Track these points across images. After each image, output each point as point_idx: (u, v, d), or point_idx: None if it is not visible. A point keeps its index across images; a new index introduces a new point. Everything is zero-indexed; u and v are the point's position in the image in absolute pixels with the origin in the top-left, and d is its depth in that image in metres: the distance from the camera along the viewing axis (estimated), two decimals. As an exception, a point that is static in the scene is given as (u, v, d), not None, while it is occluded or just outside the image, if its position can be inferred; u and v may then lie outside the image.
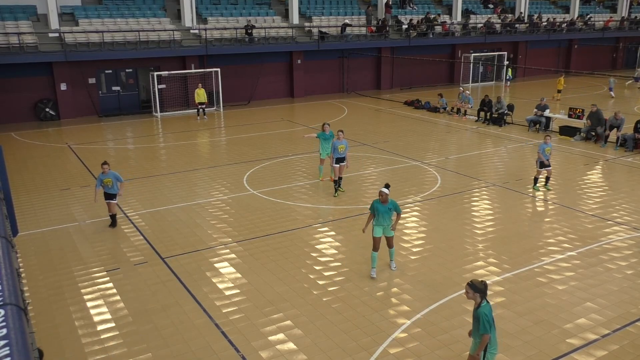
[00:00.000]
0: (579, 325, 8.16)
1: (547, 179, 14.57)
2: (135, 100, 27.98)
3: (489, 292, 9.03)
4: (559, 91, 30.25)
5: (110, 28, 26.56)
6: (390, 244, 9.82)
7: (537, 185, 14.48)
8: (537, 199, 13.84)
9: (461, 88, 26.00)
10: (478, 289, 6.01)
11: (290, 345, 7.72)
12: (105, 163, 11.92)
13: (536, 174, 14.53)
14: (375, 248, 9.63)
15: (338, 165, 14.02)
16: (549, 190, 14.41)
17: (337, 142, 13.88)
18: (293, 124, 24.16)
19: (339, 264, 10.27)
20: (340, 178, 14.29)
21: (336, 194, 14.11)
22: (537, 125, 21.92)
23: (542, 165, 14.27)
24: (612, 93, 31.04)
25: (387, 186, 9.57)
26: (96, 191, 12.07)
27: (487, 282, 9.42)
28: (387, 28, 33.72)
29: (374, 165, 17.04)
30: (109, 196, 12.00)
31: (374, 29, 33.73)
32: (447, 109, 26.13)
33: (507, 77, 36.50)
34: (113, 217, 12.18)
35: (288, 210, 13.15)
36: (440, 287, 9.29)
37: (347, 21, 32.86)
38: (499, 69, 37.66)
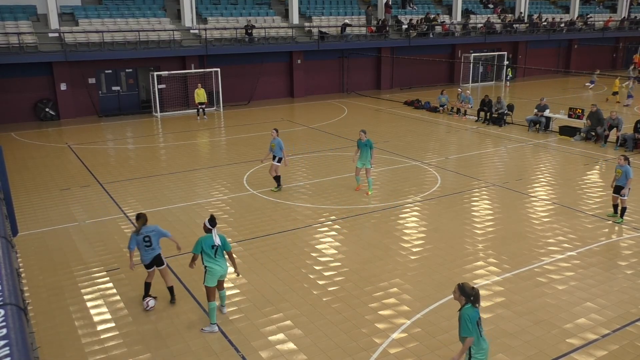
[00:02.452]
0: (579, 325, 8.16)
1: (623, 209, 12.05)
2: (135, 100, 27.98)
3: (489, 293, 9.08)
4: (614, 93, 29.35)
5: (110, 28, 26.55)
6: (221, 285, 8.27)
7: (619, 218, 12.09)
8: (536, 199, 13.83)
9: (459, 89, 25.95)
10: (465, 292, 6.01)
11: (290, 345, 7.72)
12: (141, 217, 8.57)
13: (612, 200, 12.30)
14: (212, 294, 8.01)
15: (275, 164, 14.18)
16: (618, 223, 12.08)
17: (272, 140, 14.07)
18: (293, 124, 24.16)
19: (339, 264, 10.26)
20: (274, 177, 14.40)
21: (275, 189, 14.46)
22: (537, 126, 21.92)
23: (616, 189, 12.06)
24: (590, 84, 32.44)
25: (211, 221, 7.97)
26: (131, 254, 8.61)
27: (488, 282, 9.48)
28: (387, 28, 33.72)
29: (374, 165, 16.99)
30: (154, 261, 8.60)
31: (374, 29, 33.73)
32: (445, 106, 26.09)
33: (507, 77, 36.50)
34: (171, 289, 8.92)
35: (288, 210, 13.14)
36: (440, 287, 9.29)
37: (347, 21, 32.86)
38: (499, 69, 37.67)
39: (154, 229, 8.62)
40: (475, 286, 6.27)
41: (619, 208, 12.15)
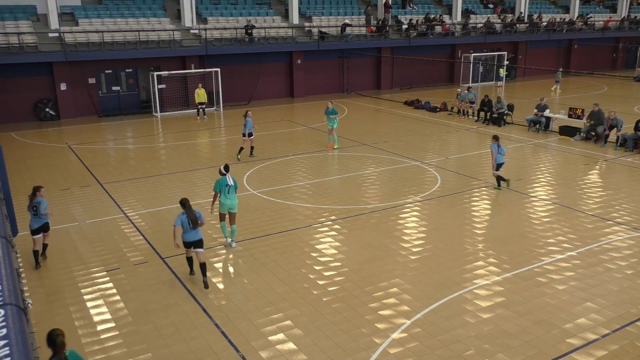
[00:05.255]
0: (579, 325, 8.16)
1: (497, 178, 14.60)
2: (135, 100, 27.98)
3: (489, 293, 9.09)
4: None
5: (110, 28, 26.55)
6: (232, 220, 10.95)
7: (498, 186, 14.64)
8: (536, 199, 13.83)
9: (459, 89, 25.87)
10: (50, 340, 5.23)
11: (290, 345, 7.72)
12: (34, 189, 10.41)
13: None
14: (223, 218, 10.95)
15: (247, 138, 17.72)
16: (497, 189, 14.51)
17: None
18: (293, 124, 24.16)
19: (339, 264, 10.27)
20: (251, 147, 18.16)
21: (239, 157, 17.78)
22: (537, 126, 21.92)
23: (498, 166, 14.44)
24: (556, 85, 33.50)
25: (225, 168, 10.78)
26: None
27: (488, 282, 9.48)
28: (387, 28, 33.71)
29: (374, 165, 17.03)
30: (42, 228, 10.32)
31: (374, 29, 33.73)
32: (474, 103, 24.62)
33: (499, 77, 36.53)
34: (36, 253, 10.33)
35: (288, 210, 13.14)
36: (440, 287, 9.29)
37: (347, 21, 32.86)
38: (498, 69, 37.68)
39: (41, 200, 10.13)
40: (60, 333, 5.30)
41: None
